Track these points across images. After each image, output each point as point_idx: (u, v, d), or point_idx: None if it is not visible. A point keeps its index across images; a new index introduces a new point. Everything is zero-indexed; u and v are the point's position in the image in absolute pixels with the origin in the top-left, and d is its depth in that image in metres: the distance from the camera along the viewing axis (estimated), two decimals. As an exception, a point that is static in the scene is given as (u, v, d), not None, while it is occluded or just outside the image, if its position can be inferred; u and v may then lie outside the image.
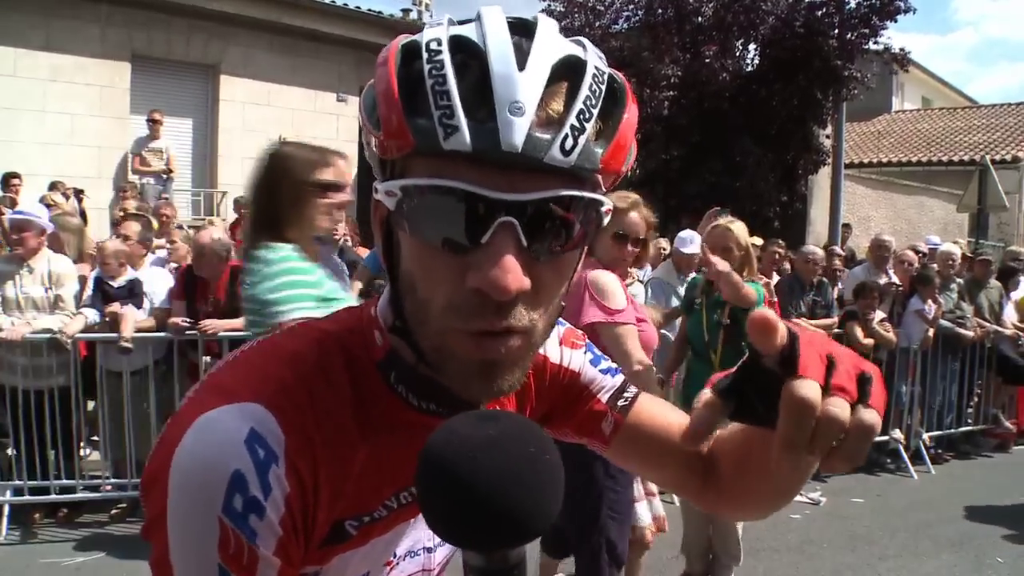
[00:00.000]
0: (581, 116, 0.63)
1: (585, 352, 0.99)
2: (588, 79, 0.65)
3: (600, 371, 0.98)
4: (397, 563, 0.85)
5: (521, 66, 0.62)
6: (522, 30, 0.65)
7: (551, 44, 0.65)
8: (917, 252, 7.76)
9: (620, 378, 1.00)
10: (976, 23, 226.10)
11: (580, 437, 0.99)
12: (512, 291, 0.63)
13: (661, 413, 1.00)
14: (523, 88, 0.62)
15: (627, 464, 1.04)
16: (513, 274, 0.63)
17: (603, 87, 0.66)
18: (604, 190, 0.70)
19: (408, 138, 0.64)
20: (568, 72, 0.65)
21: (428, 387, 0.76)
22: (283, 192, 2.24)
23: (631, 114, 0.69)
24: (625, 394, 0.98)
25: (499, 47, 0.63)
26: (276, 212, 2.24)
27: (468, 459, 0.55)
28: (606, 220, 0.70)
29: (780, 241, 7.06)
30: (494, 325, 0.66)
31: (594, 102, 0.65)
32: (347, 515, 0.75)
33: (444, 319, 0.67)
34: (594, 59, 0.67)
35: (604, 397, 0.97)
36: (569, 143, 0.63)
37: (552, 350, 0.96)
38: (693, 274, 6.09)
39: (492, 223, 0.63)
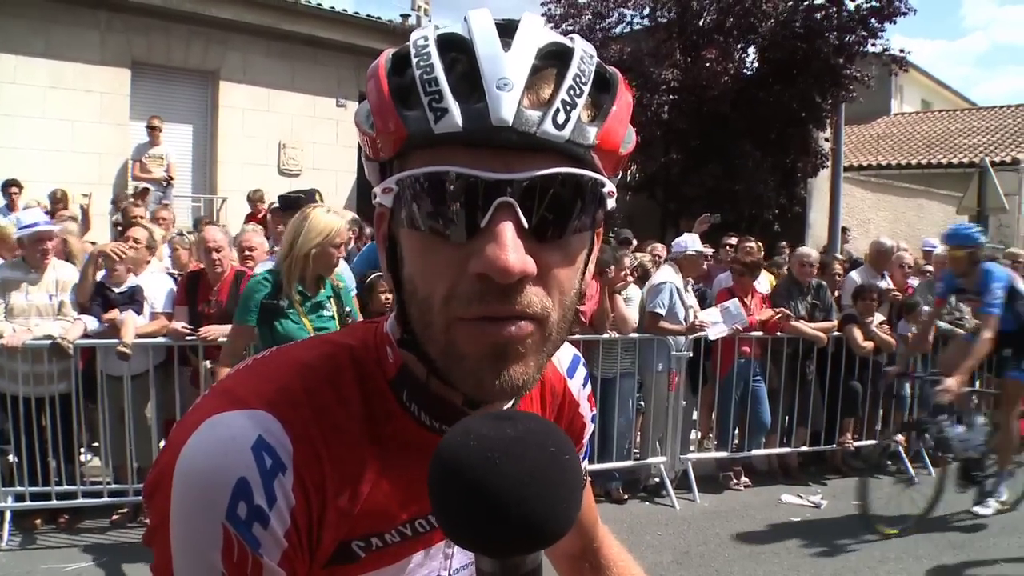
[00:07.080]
0: (571, 92, 0.63)
1: (593, 419, 0.98)
2: (576, 60, 0.64)
3: (587, 441, 1.00)
4: None
5: (507, 48, 0.62)
6: (507, 26, 0.65)
7: (536, 31, 0.65)
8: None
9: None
10: (985, 28, 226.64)
11: None
12: (515, 271, 0.59)
13: (590, 503, 1.04)
14: (509, 65, 0.61)
15: None
16: (516, 254, 0.59)
17: (592, 68, 0.65)
18: (605, 174, 0.67)
19: (401, 129, 0.63)
20: (555, 59, 0.65)
21: (440, 406, 0.73)
22: None
23: (624, 97, 0.68)
24: (585, 471, 1.02)
25: (485, 35, 0.63)
26: None
27: (487, 461, 0.52)
28: (611, 203, 0.67)
29: (751, 237, 6.88)
30: (498, 311, 0.62)
31: (583, 79, 0.64)
32: (355, 535, 0.72)
33: (447, 311, 0.63)
34: (582, 45, 0.66)
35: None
36: (561, 117, 0.61)
37: (584, 403, 0.95)
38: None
39: (490, 205, 0.60)
